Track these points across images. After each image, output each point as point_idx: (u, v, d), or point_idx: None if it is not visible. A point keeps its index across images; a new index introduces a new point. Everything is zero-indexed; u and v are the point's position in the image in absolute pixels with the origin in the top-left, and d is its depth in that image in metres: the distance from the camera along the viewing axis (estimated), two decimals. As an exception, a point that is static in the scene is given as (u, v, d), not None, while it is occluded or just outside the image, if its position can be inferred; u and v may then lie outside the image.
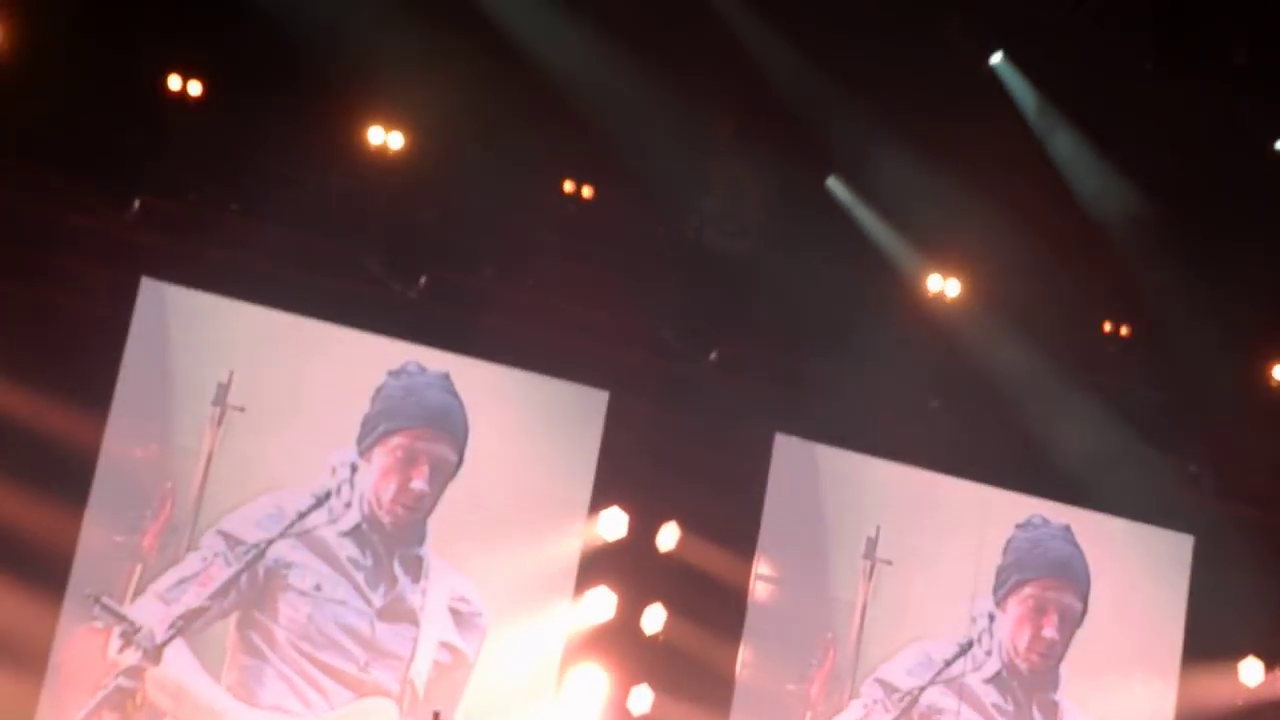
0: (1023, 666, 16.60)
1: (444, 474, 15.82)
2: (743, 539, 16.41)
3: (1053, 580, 16.89)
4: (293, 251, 15.71)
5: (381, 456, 15.61)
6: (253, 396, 15.82)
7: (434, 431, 15.81)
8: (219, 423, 15.67)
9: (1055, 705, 16.67)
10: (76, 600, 15.25)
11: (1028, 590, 16.74)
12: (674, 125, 15.91)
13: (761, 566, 16.38)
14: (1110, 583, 17.05)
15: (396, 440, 15.66)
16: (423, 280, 16.07)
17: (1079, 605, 16.79)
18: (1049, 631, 16.66)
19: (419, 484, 15.55)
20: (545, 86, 15.52)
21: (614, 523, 16.06)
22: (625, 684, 15.88)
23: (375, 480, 15.57)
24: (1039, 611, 16.71)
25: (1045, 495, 17.15)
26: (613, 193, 16.12)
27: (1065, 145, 16.67)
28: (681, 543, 16.07)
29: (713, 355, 16.51)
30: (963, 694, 16.39)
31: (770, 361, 16.59)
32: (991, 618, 16.63)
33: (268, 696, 15.41)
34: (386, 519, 15.54)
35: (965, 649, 16.47)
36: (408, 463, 15.67)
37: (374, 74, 15.43)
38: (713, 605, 16.15)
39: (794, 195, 16.47)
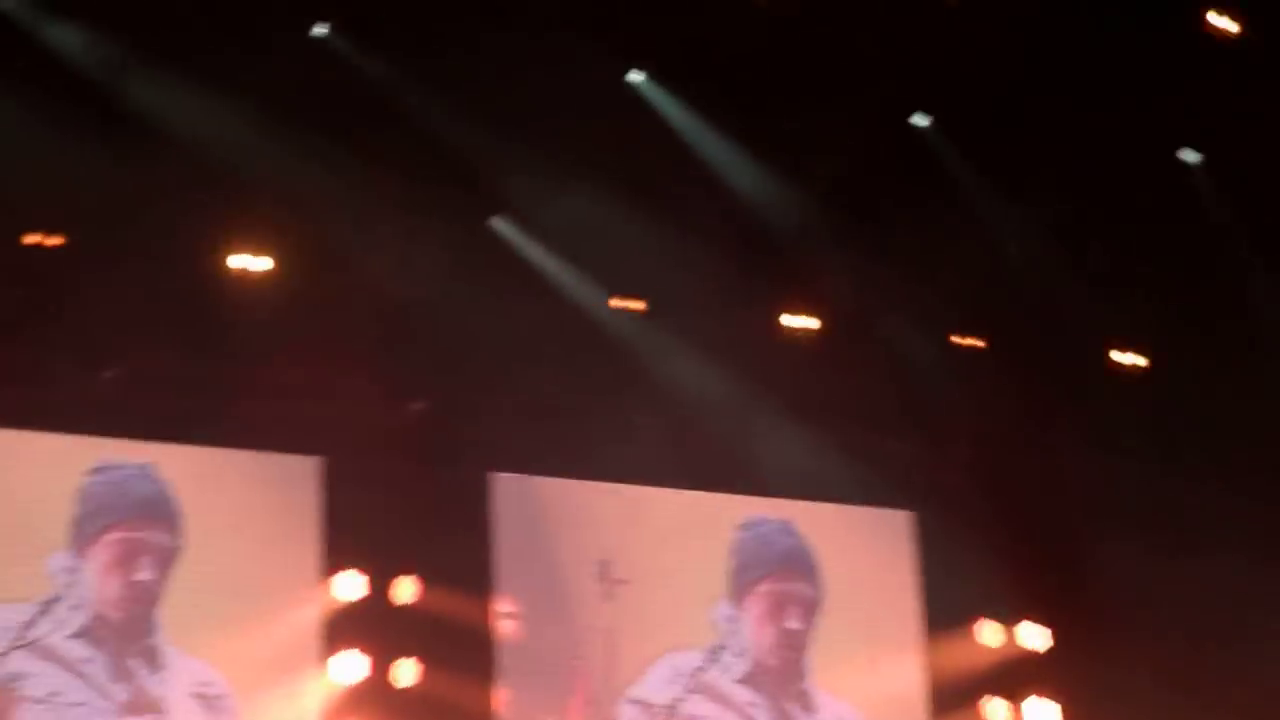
0: (772, 662, 16.51)
1: (166, 561, 15.06)
2: (481, 581, 16.00)
3: (784, 573, 16.76)
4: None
5: (100, 553, 15.09)
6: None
7: (149, 520, 15.19)
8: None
9: (806, 694, 16.51)
10: None
11: (763, 587, 16.76)
12: (339, 190, 15.54)
13: (503, 605, 15.76)
14: (841, 569, 17.23)
15: (113, 535, 14.99)
16: (109, 373, 15.22)
17: (813, 593, 16.75)
18: (792, 623, 16.75)
19: (144, 574, 15.05)
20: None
21: (351, 584, 15.44)
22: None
23: (98, 578, 14.93)
24: (779, 606, 16.70)
25: (763, 494, 16.85)
26: (291, 262, 15.58)
27: (718, 151, 16.81)
28: (421, 594, 15.52)
29: (418, 405, 15.94)
30: (719, 697, 16.10)
31: (475, 402, 16.25)
32: (732, 620, 16.35)
33: None
34: (115, 615, 14.99)
35: (715, 654, 16.20)
36: (128, 555, 15.17)
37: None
38: (463, 651, 15.92)
39: (467, 241, 16.18)
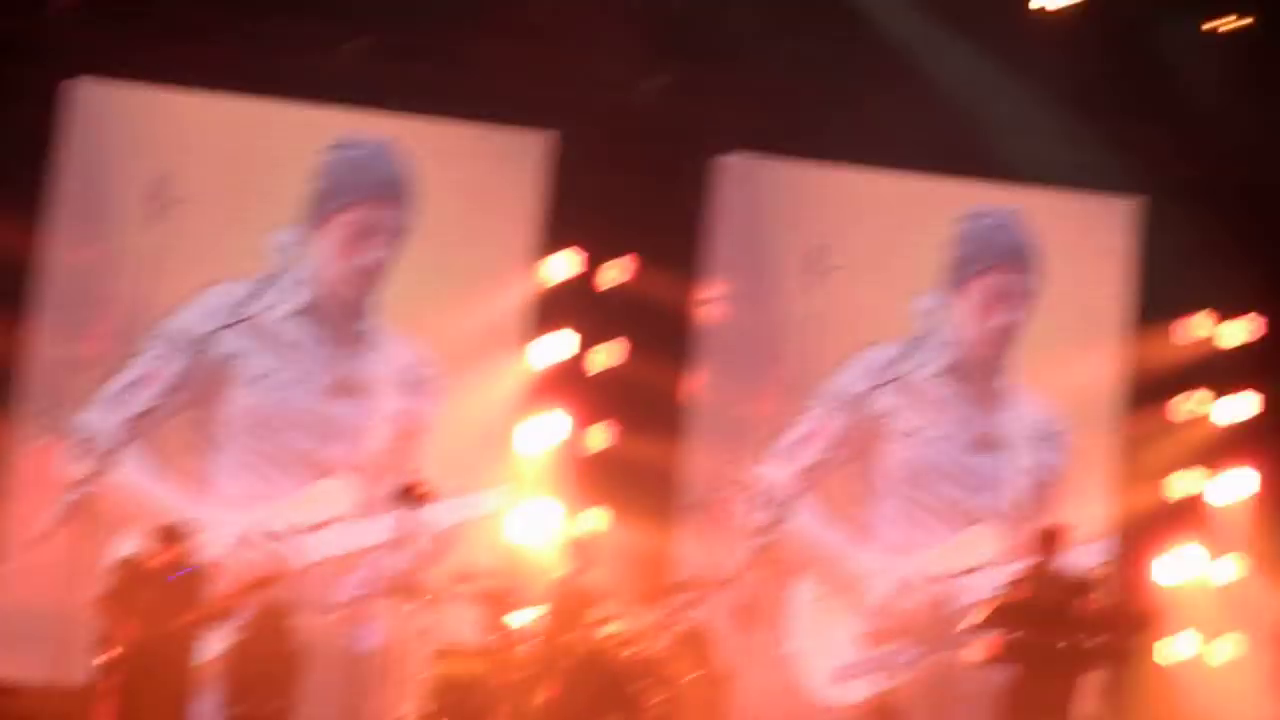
0: (976, 355, 16.83)
1: (394, 241, 15.79)
2: (695, 264, 16.34)
3: (1005, 266, 16.84)
4: (218, 27, 15.12)
5: (334, 232, 15.79)
6: (193, 187, 15.84)
7: (383, 202, 15.83)
8: (159, 218, 14.99)
9: (1011, 390, 16.93)
10: (27, 416, 15.43)
11: (982, 279, 16.92)
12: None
13: (710, 289, 16.16)
14: (1060, 258, 17.12)
15: (349, 215, 15.77)
16: (351, 43, 15.47)
17: (1029, 286, 16.90)
18: (1003, 317, 16.76)
19: (375, 254, 15.59)
20: None
21: (566, 263, 16.02)
22: (584, 421, 16.06)
23: (329, 256, 15.55)
24: (992, 299, 16.91)
25: (992, 178, 16.75)
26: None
27: None
28: (635, 276, 16.08)
29: (652, 83, 15.95)
30: (911, 391, 16.48)
31: (708, 81, 16.38)
32: (937, 312, 16.59)
33: (229, 487, 15.83)
34: (340, 292, 15.72)
35: (912, 347, 16.55)
36: (362, 235, 15.97)
37: None
38: (667, 333, 16.41)
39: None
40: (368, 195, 15.83)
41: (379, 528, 15.39)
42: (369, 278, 15.93)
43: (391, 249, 15.90)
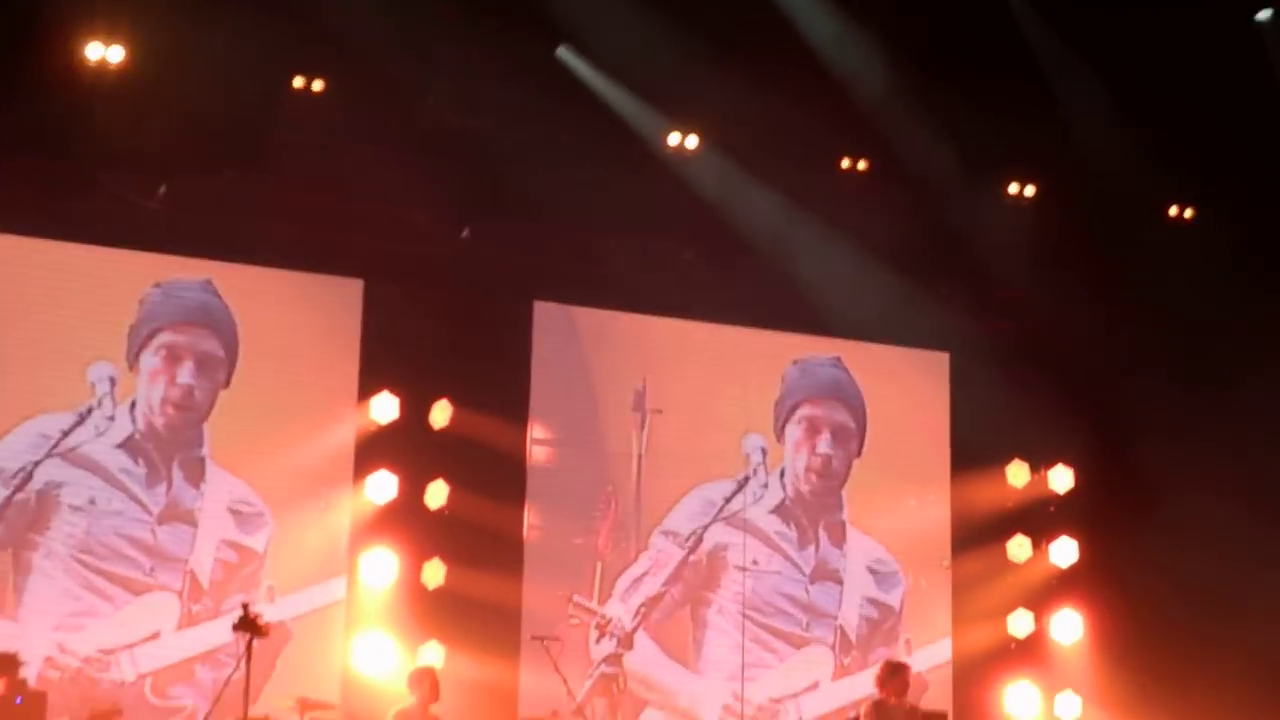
0: (805, 490, 17.20)
1: (211, 370, 15.99)
2: (515, 407, 16.58)
3: (824, 399, 17.05)
4: (25, 176, 14.90)
5: (148, 359, 15.73)
6: (5, 324, 15.21)
7: (196, 327, 15.81)
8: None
9: (841, 525, 17.01)
10: None
11: (802, 412, 17.39)
12: (398, 12, 15.47)
13: (536, 430, 16.24)
14: (879, 407, 17.31)
15: (160, 339, 15.74)
16: (162, 189, 15.42)
17: (853, 424, 17.31)
18: (824, 447, 17.28)
19: (185, 378, 15.62)
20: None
21: (386, 406, 15.82)
22: (417, 560, 15.63)
23: (146, 384, 15.61)
24: (813, 430, 17.36)
25: (807, 332, 17.01)
26: (344, 85, 15.62)
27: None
28: (455, 418, 15.93)
29: (465, 233, 16.14)
30: (746, 527, 16.51)
31: (521, 232, 16.42)
32: (764, 451, 16.89)
33: (54, 610, 15.35)
34: (160, 423, 15.59)
35: (742, 484, 16.73)
36: (172, 359, 15.83)
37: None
38: (494, 475, 16.33)
39: (525, 69, 16.11)
40: (180, 320, 15.60)
41: (207, 636, 15.17)
42: (190, 404, 15.55)
43: (210, 377, 15.51)
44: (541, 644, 14.69)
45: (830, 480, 17.27)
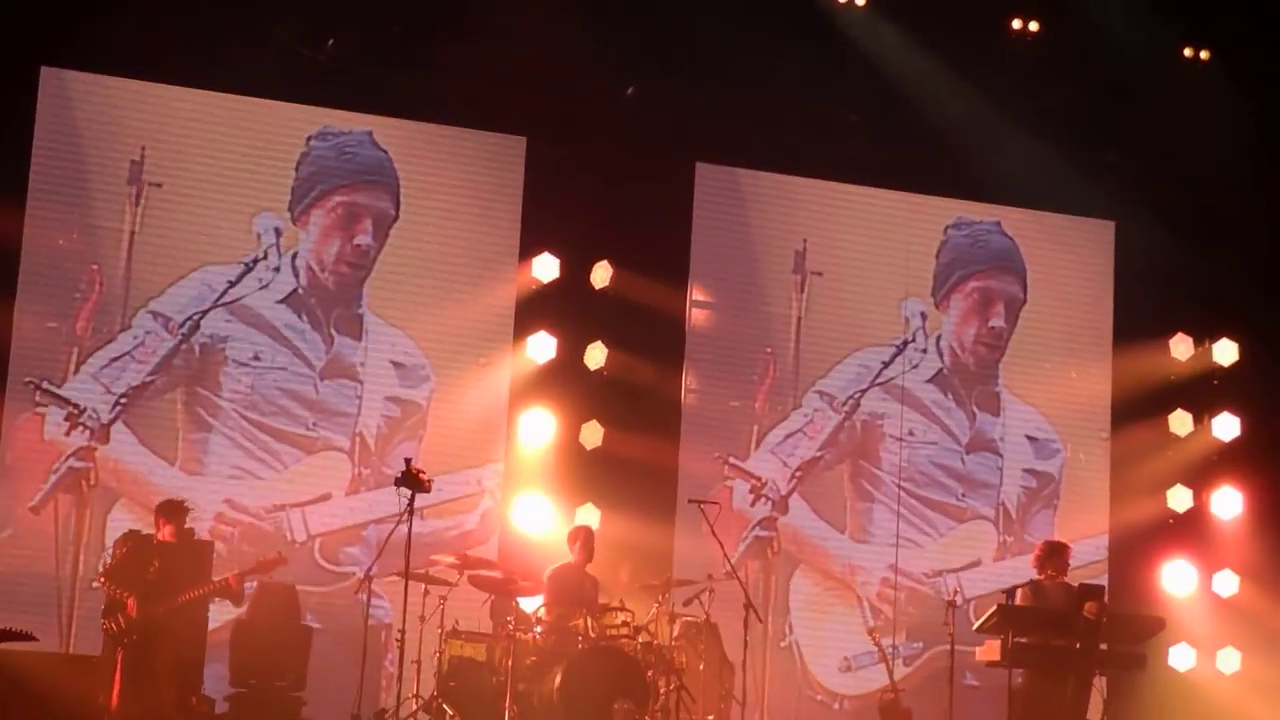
0: (968, 360, 16.90)
1: (384, 226, 15.45)
2: (674, 269, 16.36)
3: (997, 271, 16.69)
4: (198, 26, 14.83)
5: (321, 217, 15.53)
6: (169, 173, 15.13)
7: (372, 186, 15.66)
8: (137, 201, 14.71)
9: (995, 396, 16.73)
10: (17, 389, 14.89)
11: (973, 284, 17.15)
12: None
13: (696, 293, 15.99)
14: (1041, 275, 17.31)
15: (336, 199, 15.43)
16: (330, 42, 15.17)
17: (1021, 293, 16.95)
18: (997, 321, 16.99)
19: (363, 239, 15.48)
20: None
21: (546, 266, 15.61)
22: (575, 421, 15.47)
23: (317, 242, 15.43)
24: (986, 303, 17.04)
25: (968, 197, 16.59)
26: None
27: None
28: (615, 279, 15.68)
29: (630, 91, 15.81)
30: (904, 396, 16.18)
31: (686, 91, 16.03)
32: (924, 316, 16.47)
33: (218, 466, 15.37)
34: (331, 280, 15.48)
35: (900, 349, 16.35)
36: (350, 219, 15.69)
37: None
38: (652, 336, 16.28)
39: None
40: (357, 178, 15.59)
41: (375, 502, 15.20)
42: (360, 261, 15.40)
43: (380, 235, 15.32)
44: (698, 508, 14.31)
45: (997, 353, 16.92)
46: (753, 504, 16.38)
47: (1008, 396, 17.14)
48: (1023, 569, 15.44)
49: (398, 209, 15.78)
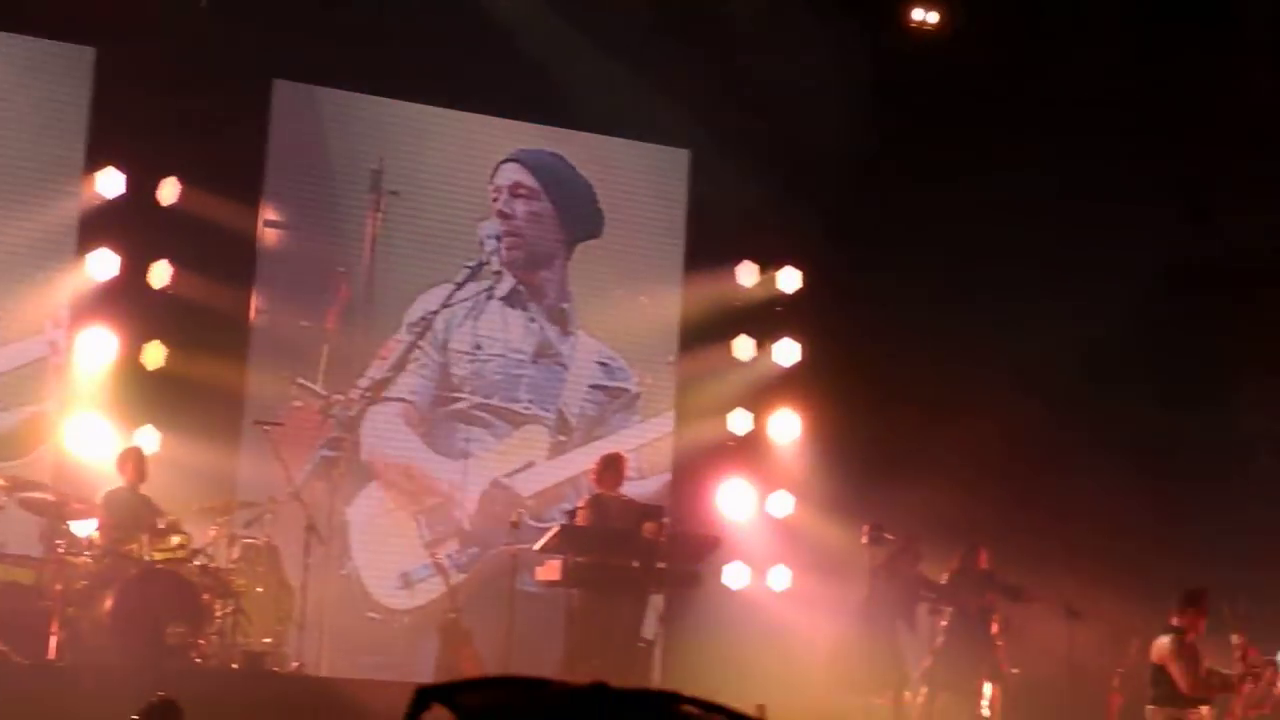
0: (535, 281, 16.43)
1: None
2: (248, 188, 16.03)
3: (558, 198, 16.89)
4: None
5: None
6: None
7: None
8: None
9: (566, 315, 16.54)
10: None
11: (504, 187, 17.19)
12: None
13: (268, 212, 15.72)
14: (614, 202, 16.96)
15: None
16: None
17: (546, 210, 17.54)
18: (520, 209, 17.33)
19: None
20: None
21: (111, 181, 15.07)
22: (137, 341, 15.07)
23: None
24: (512, 197, 16.91)
25: (546, 122, 16.54)
26: None
27: None
28: (184, 195, 15.30)
29: (203, 2, 15.30)
30: (479, 314, 16.10)
31: (263, 4, 15.50)
32: (499, 239, 16.26)
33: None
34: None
35: (475, 270, 16.26)
36: None
37: None
38: (221, 255, 15.97)
39: None
40: None
41: None
42: None
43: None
44: (263, 430, 14.10)
45: (556, 269, 16.95)
46: (321, 424, 16.01)
47: (577, 323, 17.12)
48: (578, 463, 16.18)
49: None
